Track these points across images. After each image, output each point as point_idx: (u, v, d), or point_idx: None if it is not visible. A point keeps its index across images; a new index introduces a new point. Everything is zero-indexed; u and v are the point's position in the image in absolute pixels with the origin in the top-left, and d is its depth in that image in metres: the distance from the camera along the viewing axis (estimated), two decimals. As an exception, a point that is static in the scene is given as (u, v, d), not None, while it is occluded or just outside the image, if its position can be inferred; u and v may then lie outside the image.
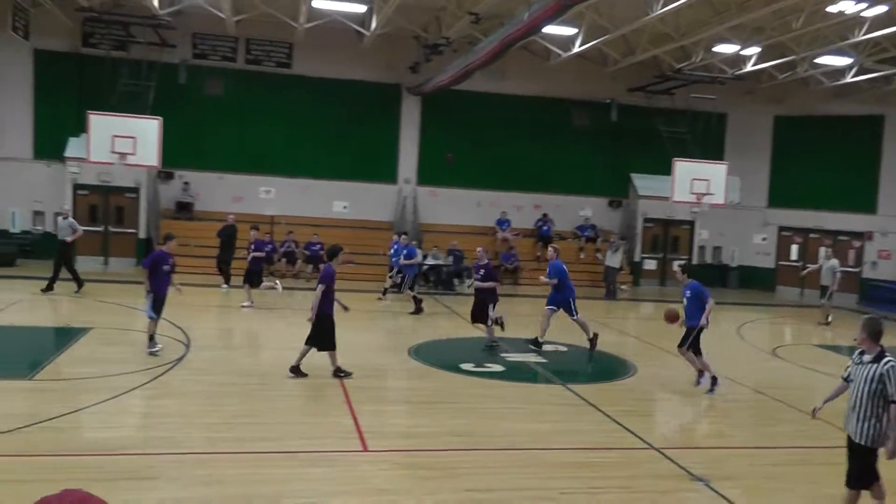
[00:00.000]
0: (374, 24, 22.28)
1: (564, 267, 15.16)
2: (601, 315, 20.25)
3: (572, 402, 11.31)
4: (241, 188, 26.61)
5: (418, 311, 18.75)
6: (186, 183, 26.01)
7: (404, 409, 10.60)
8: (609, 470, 8.53)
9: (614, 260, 24.56)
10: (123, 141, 21.37)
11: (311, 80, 26.56)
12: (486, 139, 27.71)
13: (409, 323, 18.28)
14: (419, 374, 12.66)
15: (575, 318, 15.01)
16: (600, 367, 14.82)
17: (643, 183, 28.65)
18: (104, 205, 24.92)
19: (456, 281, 24.14)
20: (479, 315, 14.89)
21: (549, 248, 15.66)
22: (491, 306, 14.72)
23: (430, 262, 24.01)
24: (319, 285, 11.55)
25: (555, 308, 14.97)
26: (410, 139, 27.80)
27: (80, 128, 23.44)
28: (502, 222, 27.51)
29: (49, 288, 18.55)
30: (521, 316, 18.40)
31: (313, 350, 11.59)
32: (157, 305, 12.84)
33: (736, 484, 8.25)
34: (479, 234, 27.36)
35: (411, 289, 19.46)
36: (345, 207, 27.41)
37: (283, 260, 24.51)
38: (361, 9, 22.51)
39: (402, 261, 19.80)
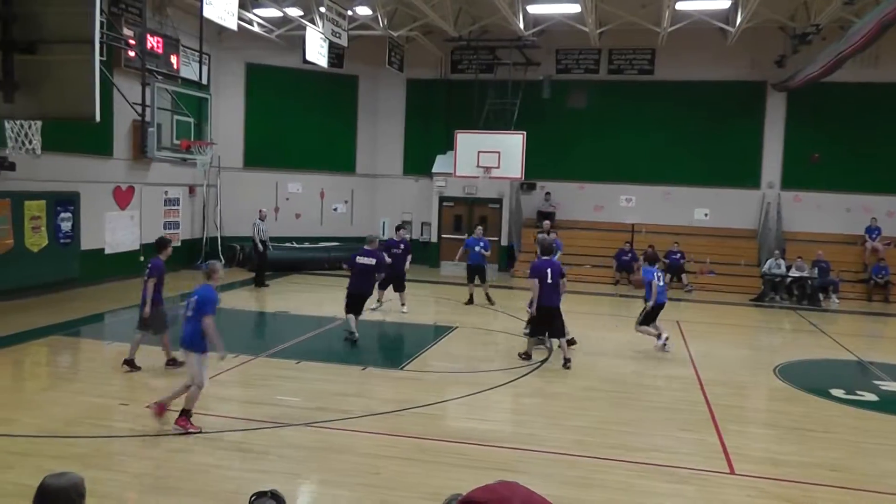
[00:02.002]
0: (738, 19, 21.31)
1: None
2: None
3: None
4: (602, 197, 26.74)
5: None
6: (548, 193, 26.73)
7: (772, 433, 9.86)
8: None
9: None
10: (488, 156, 22.66)
11: (673, 85, 25.94)
12: (855, 135, 24.93)
13: (775, 339, 17.42)
14: (786, 396, 11.76)
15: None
16: None
17: None
18: (468, 215, 26.38)
19: (821, 296, 22.27)
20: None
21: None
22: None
23: (793, 273, 22.43)
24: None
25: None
26: (774, 140, 25.90)
27: (447, 145, 25.39)
28: (872, 230, 24.49)
29: (262, 284, 20.56)
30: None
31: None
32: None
33: None
34: (847, 243, 24.85)
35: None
36: (706, 215, 26.30)
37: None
38: (725, 4, 21.68)
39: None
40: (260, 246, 20.58)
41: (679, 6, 20.89)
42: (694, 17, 22.01)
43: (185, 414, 8.85)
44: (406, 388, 11.16)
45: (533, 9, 22.24)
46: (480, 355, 13.54)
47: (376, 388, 11.17)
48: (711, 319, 18.67)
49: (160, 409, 9.00)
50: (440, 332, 15.42)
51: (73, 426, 8.98)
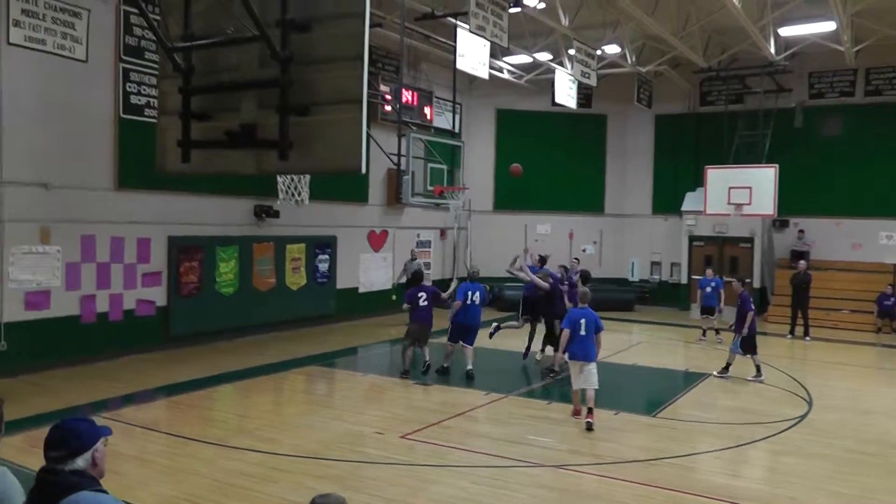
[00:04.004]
0: None
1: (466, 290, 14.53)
2: None
3: None
4: (860, 233, 24.35)
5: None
6: (801, 230, 25.04)
7: None
8: None
9: None
10: (739, 192, 21.81)
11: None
12: None
13: None
14: None
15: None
16: None
17: None
18: (718, 255, 25.41)
19: None
20: None
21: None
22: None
23: None
24: None
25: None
26: None
27: (696, 182, 24.76)
28: None
29: None
30: None
31: None
32: (746, 342, 14.68)
33: None
34: None
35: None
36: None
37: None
38: None
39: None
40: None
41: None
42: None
43: (591, 411, 11.03)
44: (659, 437, 10.86)
45: (785, 31, 21.15)
46: (735, 406, 12.87)
47: (628, 434, 10.93)
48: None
49: (590, 414, 11.00)
50: (692, 378, 14.89)
51: (330, 449, 9.62)
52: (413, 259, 21.87)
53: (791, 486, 8.92)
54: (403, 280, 21.18)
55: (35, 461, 3.49)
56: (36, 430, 9.59)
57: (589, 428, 10.83)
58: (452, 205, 18.19)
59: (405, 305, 14.70)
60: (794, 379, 14.73)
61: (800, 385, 14.29)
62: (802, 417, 12.06)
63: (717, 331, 19.27)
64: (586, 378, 11.11)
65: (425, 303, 14.33)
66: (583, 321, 11.14)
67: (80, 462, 3.40)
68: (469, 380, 14.15)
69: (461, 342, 14.41)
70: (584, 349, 11.13)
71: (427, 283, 16.94)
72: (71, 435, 3.44)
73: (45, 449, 3.43)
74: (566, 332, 11.39)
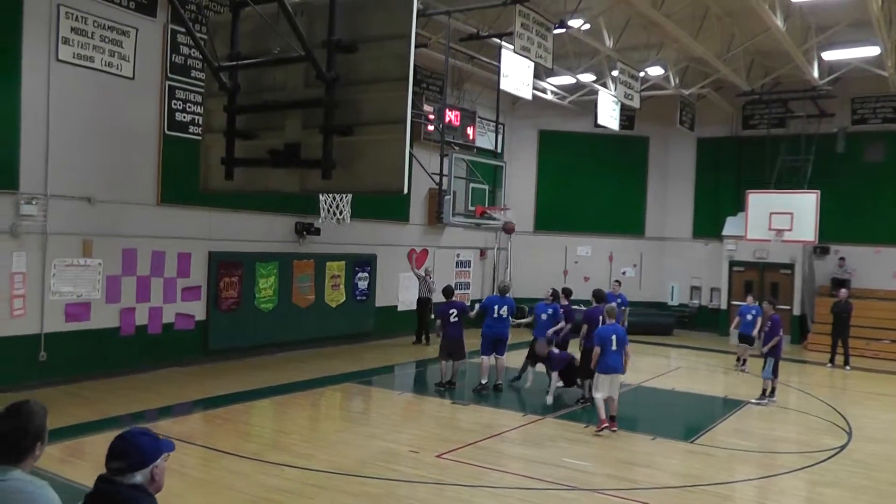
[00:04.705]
0: None
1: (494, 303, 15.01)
2: None
3: None
4: None
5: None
6: (842, 258, 24.56)
7: None
8: None
9: None
10: (780, 217, 21.49)
11: None
12: None
13: None
14: None
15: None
16: None
17: None
18: (759, 281, 25.06)
19: None
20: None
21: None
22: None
23: None
24: None
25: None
26: None
27: (737, 207, 24.42)
28: None
29: (418, 340, 20.94)
30: None
31: None
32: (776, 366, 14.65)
33: None
34: None
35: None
36: None
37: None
38: None
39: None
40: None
41: None
42: None
43: (613, 419, 11.84)
44: (695, 463, 10.69)
45: (828, 55, 20.88)
46: (774, 434, 12.67)
47: (665, 460, 10.80)
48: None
49: (612, 423, 11.78)
50: (731, 405, 14.67)
51: (366, 467, 9.63)
52: (426, 276, 21.77)
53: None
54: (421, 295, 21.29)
55: (72, 471, 3.53)
56: (74, 439, 9.75)
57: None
58: (494, 225, 18.24)
59: (437, 322, 15.15)
60: (834, 408, 14.46)
61: (839, 415, 14.00)
62: (842, 448, 11.81)
63: (744, 360, 18.81)
64: (615, 387, 11.95)
65: (455, 318, 14.77)
66: (613, 337, 11.86)
67: (139, 477, 3.43)
68: (497, 392, 14.59)
69: (494, 354, 14.73)
70: (616, 363, 11.86)
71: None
72: (133, 449, 3.46)
73: (107, 458, 3.45)
74: (597, 350, 11.94)
